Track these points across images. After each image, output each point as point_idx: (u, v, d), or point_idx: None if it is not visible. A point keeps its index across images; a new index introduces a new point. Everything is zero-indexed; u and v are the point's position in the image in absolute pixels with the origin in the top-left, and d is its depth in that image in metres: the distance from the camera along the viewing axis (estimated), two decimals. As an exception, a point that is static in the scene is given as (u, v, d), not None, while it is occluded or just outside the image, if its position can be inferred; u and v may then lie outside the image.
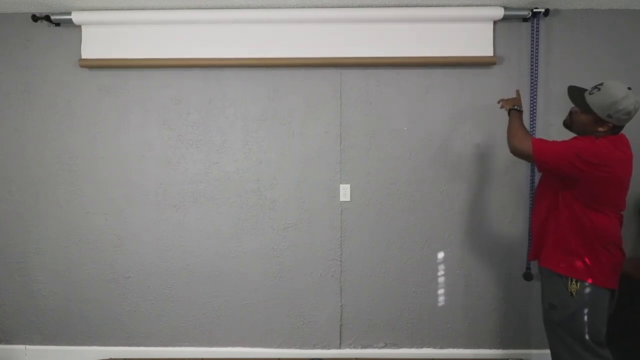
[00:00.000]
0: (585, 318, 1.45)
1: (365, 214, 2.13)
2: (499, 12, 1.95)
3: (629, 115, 1.39)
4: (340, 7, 1.98)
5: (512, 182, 2.10)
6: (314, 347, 2.21)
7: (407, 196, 2.12)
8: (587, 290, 1.45)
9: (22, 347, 2.23)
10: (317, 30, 2.02)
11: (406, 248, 2.14)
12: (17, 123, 2.13)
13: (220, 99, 2.11)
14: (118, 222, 2.16)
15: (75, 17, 2.00)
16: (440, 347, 2.19)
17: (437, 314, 2.17)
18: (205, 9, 2.00)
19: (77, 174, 2.14)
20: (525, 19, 2.01)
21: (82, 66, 2.07)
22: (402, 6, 1.97)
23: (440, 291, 2.16)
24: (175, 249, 2.16)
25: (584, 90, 1.50)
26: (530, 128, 2.03)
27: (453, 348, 2.19)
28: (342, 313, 2.18)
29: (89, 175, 2.14)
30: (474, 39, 2.01)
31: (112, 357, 2.22)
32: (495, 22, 2.01)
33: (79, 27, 2.05)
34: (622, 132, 1.47)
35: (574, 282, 1.46)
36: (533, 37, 2.01)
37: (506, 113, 1.72)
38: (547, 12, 1.98)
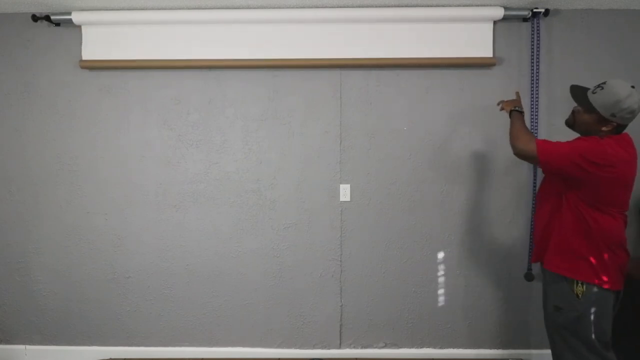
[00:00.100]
0: (592, 320, 1.43)
1: (365, 214, 2.13)
2: (499, 12, 1.95)
3: (633, 114, 1.38)
4: (340, 7, 1.98)
5: (512, 182, 2.10)
6: (314, 347, 2.21)
7: (407, 196, 2.12)
8: (593, 292, 1.44)
9: (22, 347, 2.23)
10: (317, 31, 2.02)
11: (406, 248, 2.14)
12: (17, 123, 2.13)
13: (220, 99, 2.11)
14: (118, 222, 2.16)
15: (75, 17, 2.00)
16: (440, 347, 2.19)
17: (437, 314, 2.17)
18: (205, 9, 2.00)
19: (77, 174, 2.14)
20: (525, 19, 2.01)
21: (83, 67, 2.07)
22: (402, 6, 1.97)
23: (440, 291, 2.16)
24: (175, 249, 2.17)
25: (586, 89, 1.48)
26: (532, 129, 2.02)
27: (453, 348, 2.19)
28: (342, 313, 2.18)
29: (89, 175, 2.14)
30: (473, 39, 2.01)
31: (112, 357, 2.22)
32: (495, 22, 2.01)
33: (79, 27, 2.05)
34: (626, 131, 1.46)
35: (579, 285, 1.45)
36: (533, 37, 2.01)
37: (507, 114, 1.71)
38: (547, 12, 1.98)
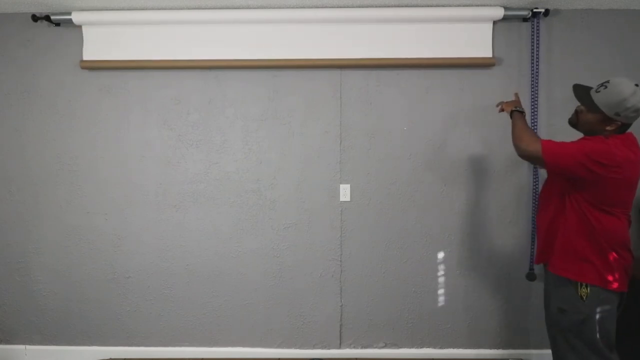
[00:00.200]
0: (597, 322, 1.42)
1: (365, 214, 2.13)
2: (499, 12, 1.95)
3: (638, 112, 1.35)
4: (340, 7, 1.98)
5: (512, 182, 2.10)
6: (314, 347, 2.21)
7: (407, 196, 2.12)
8: (598, 294, 1.42)
9: (22, 347, 2.23)
10: (317, 31, 2.02)
11: (406, 248, 2.14)
12: (17, 123, 2.13)
13: (220, 99, 2.11)
14: (118, 222, 2.16)
15: (76, 17, 2.00)
16: (440, 347, 2.19)
17: (437, 314, 2.17)
18: (204, 9, 2.00)
19: (77, 174, 2.14)
20: (525, 19, 2.01)
21: (84, 67, 2.07)
22: (402, 6, 1.97)
23: (440, 291, 2.16)
24: (175, 249, 2.17)
25: (589, 88, 1.46)
26: (532, 128, 2.02)
27: (453, 348, 2.19)
28: (342, 313, 2.18)
29: (89, 175, 2.14)
30: (473, 39, 2.01)
31: (112, 357, 2.22)
32: (495, 22, 2.01)
33: (79, 27, 2.05)
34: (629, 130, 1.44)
35: (584, 287, 1.43)
36: (533, 37, 2.01)
37: (507, 115, 1.69)
38: (547, 12, 1.98)
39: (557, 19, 2.04)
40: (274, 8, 1.99)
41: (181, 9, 2.00)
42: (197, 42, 2.04)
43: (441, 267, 2.15)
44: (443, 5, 1.96)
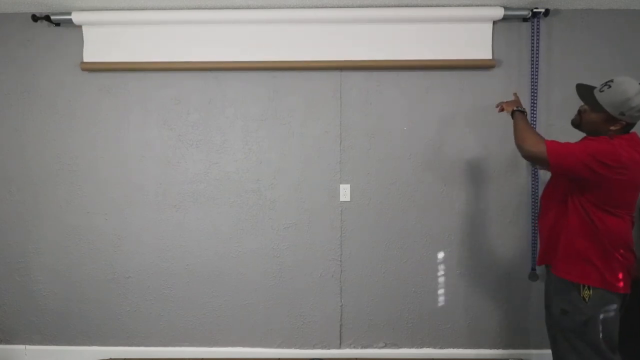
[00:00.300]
0: (600, 323, 1.41)
1: (365, 214, 2.13)
2: (499, 12, 1.95)
3: None
4: (340, 7, 1.97)
5: (512, 182, 2.10)
6: (314, 347, 2.21)
7: (407, 196, 2.12)
8: (601, 295, 1.41)
9: (22, 347, 2.23)
10: (317, 33, 2.02)
11: (406, 248, 2.14)
12: (17, 123, 2.13)
13: (220, 99, 2.11)
14: (118, 222, 2.16)
15: (76, 17, 2.00)
16: (440, 347, 2.19)
17: (437, 314, 2.17)
18: (205, 9, 2.00)
19: (77, 174, 2.14)
20: (525, 19, 2.01)
21: (84, 69, 2.07)
22: (401, 6, 1.97)
23: (440, 291, 2.16)
24: (175, 249, 2.17)
25: (592, 87, 1.44)
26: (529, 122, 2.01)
27: (453, 348, 2.19)
28: (342, 313, 2.18)
29: (89, 175, 2.14)
30: (473, 39, 2.01)
31: (112, 357, 2.22)
32: (495, 22, 2.01)
33: (79, 27, 2.05)
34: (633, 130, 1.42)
35: (586, 288, 1.42)
36: (533, 37, 2.01)
37: (507, 115, 1.67)
38: (547, 12, 1.98)
39: (557, 19, 2.04)
40: (274, 8, 1.99)
41: (181, 9, 2.00)
42: (197, 42, 2.04)
43: (441, 267, 2.15)
44: (443, 5, 1.96)
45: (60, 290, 2.20)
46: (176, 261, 2.17)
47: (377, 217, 2.13)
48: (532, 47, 2.02)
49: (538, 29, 2.01)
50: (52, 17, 2.01)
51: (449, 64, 2.02)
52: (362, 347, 2.20)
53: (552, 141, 1.40)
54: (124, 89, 2.11)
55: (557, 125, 2.04)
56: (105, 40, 2.05)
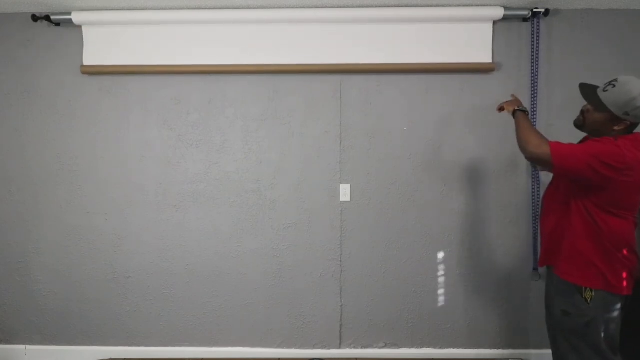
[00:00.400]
0: (601, 325, 1.40)
1: (365, 214, 2.13)
2: (499, 12, 1.95)
3: None
4: (340, 7, 1.97)
5: (512, 182, 2.10)
6: (314, 347, 2.21)
7: (407, 196, 2.12)
8: (603, 297, 1.40)
9: (22, 347, 2.23)
10: (317, 36, 2.02)
11: (406, 248, 2.14)
12: (17, 123, 2.13)
13: (220, 99, 2.11)
14: (118, 222, 2.16)
15: (75, 17, 2.00)
16: (440, 347, 2.19)
17: (437, 314, 2.17)
18: (205, 9, 2.00)
19: (77, 174, 2.14)
20: (525, 19, 2.01)
21: (84, 73, 2.07)
22: (401, 6, 1.97)
23: (440, 291, 2.16)
24: (175, 249, 2.17)
25: (596, 87, 1.42)
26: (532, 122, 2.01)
27: (453, 348, 2.19)
28: (342, 313, 2.18)
29: (89, 175, 2.14)
30: (473, 39, 2.01)
31: (112, 357, 2.22)
32: (495, 22, 2.01)
33: (79, 27, 2.05)
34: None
35: (589, 290, 1.41)
36: (533, 37, 2.01)
37: (507, 115, 1.65)
38: (547, 12, 1.98)
39: (557, 19, 2.04)
40: (274, 8, 1.99)
41: (181, 9, 2.00)
42: (197, 42, 2.04)
43: (441, 267, 2.15)
44: (443, 5, 1.96)
45: (60, 290, 2.20)
46: (176, 261, 2.17)
47: (377, 217, 2.13)
48: (532, 47, 2.02)
49: (538, 29, 2.01)
50: (52, 17, 2.01)
51: (449, 67, 2.02)
52: (362, 347, 2.20)
53: (556, 142, 1.37)
54: (124, 89, 2.11)
55: (558, 125, 2.04)
56: (105, 40, 2.05)
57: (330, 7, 1.98)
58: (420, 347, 2.20)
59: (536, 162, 1.48)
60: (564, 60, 2.05)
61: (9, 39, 2.10)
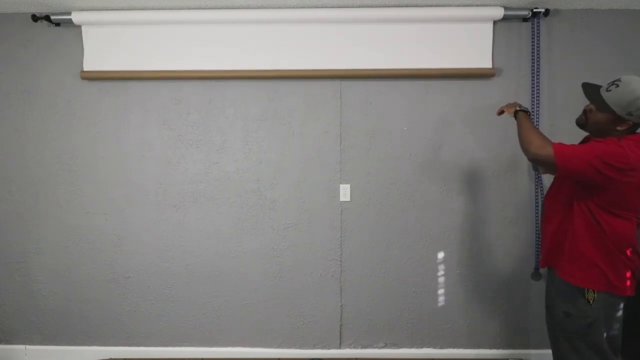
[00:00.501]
0: (604, 326, 1.39)
1: (365, 214, 2.13)
2: (499, 12, 1.95)
3: None
4: (340, 7, 1.97)
5: (512, 182, 2.10)
6: (314, 347, 2.21)
7: (407, 196, 2.12)
8: (606, 298, 1.39)
9: (22, 347, 2.23)
10: (317, 39, 2.02)
11: (406, 248, 2.14)
12: (17, 123, 2.13)
13: (220, 99, 2.11)
14: (118, 222, 2.16)
15: (75, 17, 2.00)
16: (440, 347, 2.19)
17: (437, 314, 2.17)
18: (205, 9, 2.00)
19: (77, 174, 2.14)
20: (525, 19, 2.01)
21: (84, 78, 2.06)
22: (401, 6, 1.97)
23: (440, 291, 2.16)
24: (175, 249, 2.17)
25: (599, 86, 1.40)
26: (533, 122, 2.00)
27: (453, 348, 2.19)
28: (342, 313, 2.18)
29: (89, 175, 2.14)
30: (473, 39, 2.00)
31: (112, 357, 2.22)
32: (495, 22, 2.01)
33: (79, 27, 2.05)
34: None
35: (591, 291, 1.40)
36: (533, 37, 2.01)
37: (507, 115, 1.64)
38: (547, 12, 1.98)
39: (557, 19, 2.04)
40: (274, 8, 1.98)
41: (180, 9, 2.00)
42: (197, 42, 2.04)
43: (441, 267, 2.15)
44: (443, 5, 1.96)
45: (60, 290, 2.20)
46: (176, 261, 2.17)
47: (377, 217, 2.13)
48: (533, 47, 2.02)
49: (538, 29, 2.01)
50: (52, 17, 2.01)
51: (449, 72, 2.02)
52: (362, 347, 2.20)
53: (559, 144, 1.36)
54: (124, 89, 2.11)
55: (558, 125, 2.04)
56: (105, 41, 2.04)
57: (330, 7, 1.98)
58: (420, 347, 2.20)
59: (539, 164, 1.47)
60: (564, 60, 2.05)
61: (9, 39, 2.10)
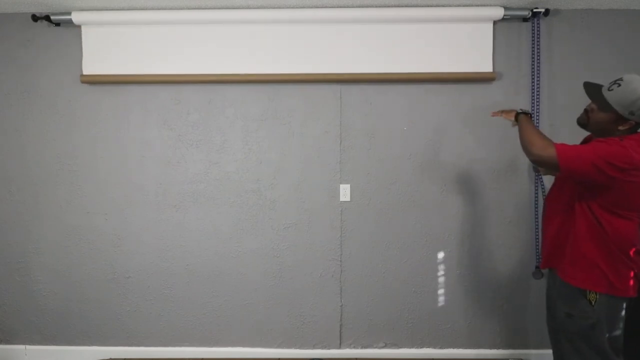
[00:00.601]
0: (606, 327, 1.39)
1: (365, 214, 2.13)
2: (499, 12, 1.95)
3: None
4: (340, 6, 1.97)
5: (512, 182, 2.10)
6: (314, 347, 2.21)
7: (407, 196, 2.12)
8: (608, 300, 1.38)
9: (22, 347, 2.23)
10: (317, 39, 2.02)
11: (406, 248, 2.14)
12: (17, 123, 2.13)
13: (220, 99, 2.11)
14: (118, 222, 2.16)
15: (75, 17, 1.99)
16: (440, 347, 2.19)
17: (437, 314, 2.17)
18: (205, 9, 2.00)
19: (77, 174, 2.14)
20: (525, 19, 2.01)
21: (84, 82, 2.07)
22: (402, 6, 1.97)
23: (440, 291, 2.16)
24: (175, 249, 2.17)
25: (600, 86, 1.39)
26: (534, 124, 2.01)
27: (453, 348, 2.19)
28: (342, 313, 2.18)
29: (89, 175, 2.14)
30: (474, 39, 2.00)
31: (112, 357, 2.22)
32: (495, 23, 2.01)
33: (79, 27, 2.05)
34: None
35: (593, 293, 1.39)
36: (533, 37, 2.01)
37: (510, 120, 1.61)
38: (547, 12, 1.98)
39: (557, 19, 2.04)
40: (274, 8, 1.98)
41: (180, 8, 2.00)
42: (197, 42, 2.04)
43: (441, 267, 2.15)
44: (443, 5, 1.96)
45: (60, 290, 2.20)
46: (176, 261, 2.17)
47: (377, 217, 2.13)
48: (533, 47, 2.02)
49: (538, 29, 2.00)
50: (52, 17, 2.00)
51: (449, 77, 2.01)
52: (362, 347, 2.20)
53: (562, 144, 1.34)
54: (124, 89, 2.11)
55: (559, 125, 2.04)
56: (104, 42, 2.04)
57: (330, 7, 1.97)
58: (420, 347, 2.20)
59: (542, 165, 1.46)
60: (564, 61, 2.05)
61: (9, 39, 2.10)
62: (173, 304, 2.20)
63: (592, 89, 1.41)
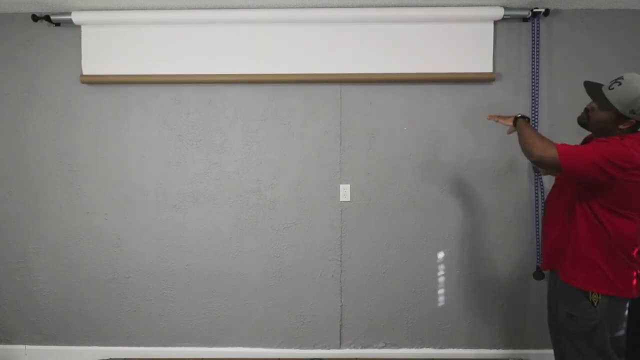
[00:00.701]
0: (608, 328, 1.38)
1: (365, 214, 2.13)
2: (499, 12, 1.95)
3: None
4: (340, 6, 1.97)
5: (512, 182, 2.10)
6: (314, 347, 2.21)
7: (407, 196, 2.12)
8: (610, 301, 1.37)
9: (22, 347, 2.23)
10: (317, 40, 2.02)
11: (406, 248, 2.14)
12: (17, 123, 2.13)
13: (220, 99, 2.11)
14: (118, 222, 2.16)
15: (75, 17, 2.00)
16: (440, 347, 2.19)
17: (437, 314, 2.17)
18: (205, 9, 2.00)
19: (77, 174, 2.14)
20: (525, 19, 2.01)
21: (84, 82, 2.07)
22: (402, 6, 1.97)
23: (440, 291, 2.16)
24: (175, 249, 2.17)
25: (601, 85, 1.39)
26: (534, 127, 2.01)
27: (453, 348, 2.19)
28: (342, 313, 2.18)
29: (89, 175, 2.14)
30: (474, 39, 2.00)
31: (112, 357, 2.22)
32: (495, 23, 2.01)
33: (79, 27, 2.05)
34: None
35: (595, 294, 1.39)
36: (534, 37, 2.01)
37: (507, 126, 1.62)
38: (547, 12, 1.98)
39: (557, 19, 2.04)
40: (274, 8, 1.98)
41: (180, 8, 2.00)
42: (197, 42, 2.04)
43: (441, 267, 2.15)
44: (443, 5, 1.96)
45: (60, 290, 2.20)
46: (176, 261, 2.17)
47: (377, 217, 2.13)
48: (533, 47, 2.02)
49: (538, 29, 2.00)
50: (52, 17, 2.00)
51: (450, 77, 2.01)
52: (362, 347, 2.20)
53: (563, 145, 1.34)
54: (124, 89, 2.11)
55: (558, 125, 2.04)
56: (104, 42, 2.04)
57: (330, 7, 1.97)
58: (420, 347, 2.20)
59: (543, 166, 1.46)
60: (564, 61, 2.05)
61: (9, 39, 2.10)
62: (173, 304, 2.20)
63: (593, 88, 1.40)
